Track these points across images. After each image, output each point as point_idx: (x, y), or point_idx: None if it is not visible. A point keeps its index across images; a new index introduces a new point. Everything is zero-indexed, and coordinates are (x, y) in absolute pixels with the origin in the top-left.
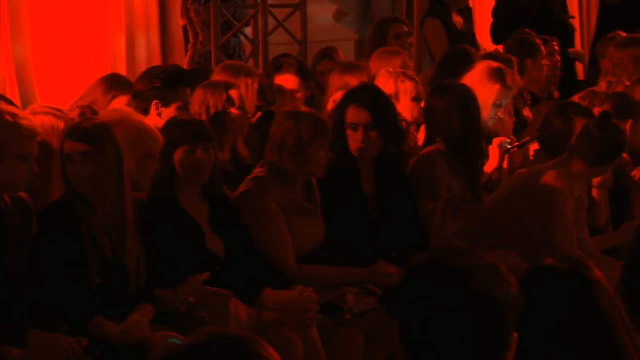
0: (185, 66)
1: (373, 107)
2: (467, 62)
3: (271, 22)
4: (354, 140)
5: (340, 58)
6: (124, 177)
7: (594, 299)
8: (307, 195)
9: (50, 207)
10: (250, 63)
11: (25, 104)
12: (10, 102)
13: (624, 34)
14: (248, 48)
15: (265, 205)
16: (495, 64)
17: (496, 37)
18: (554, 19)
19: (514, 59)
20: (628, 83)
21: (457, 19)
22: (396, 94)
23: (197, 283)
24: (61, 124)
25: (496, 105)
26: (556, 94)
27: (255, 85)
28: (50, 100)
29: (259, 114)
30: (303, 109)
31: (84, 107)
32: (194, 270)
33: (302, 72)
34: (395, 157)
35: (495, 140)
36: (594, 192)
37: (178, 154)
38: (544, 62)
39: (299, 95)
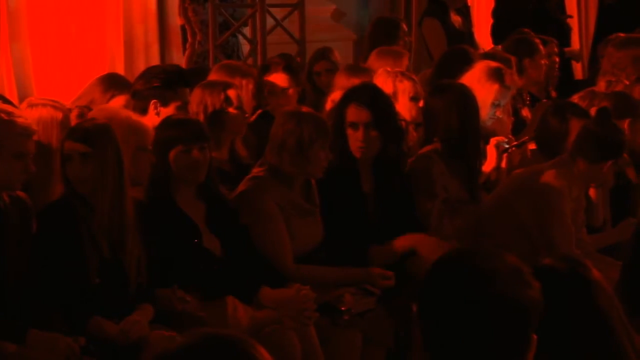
0: (183, 66)
1: (373, 106)
2: (466, 62)
3: (269, 21)
4: (354, 139)
5: (337, 58)
6: (124, 178)
7: (592, 298)
8: (306, 196)
9: (50, 207)
10: (249, 63)
11: None
12: (7, 101)
13: (623, 35)
14: (246, 48)
15: (264, 205)
16: (494, 64)
17: (496, 37)
18: (550, 18)
19: (512, 58)
20: (627, 83)
21: (456, 19)
22: (394, 94)
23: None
24: (59, 115)
25: (495, 105)
26: (554, 94)
27: (251, 86)
28: None
29: (259, 111)
30: (304, 109)
31: (83, 108)
32: (191, 269)
33: (290, 69)
34: (394, 157)
35: (493, 140)
36: (591, 192)
37: (173, 154)
38: (542, 62)
39: (290, 92)
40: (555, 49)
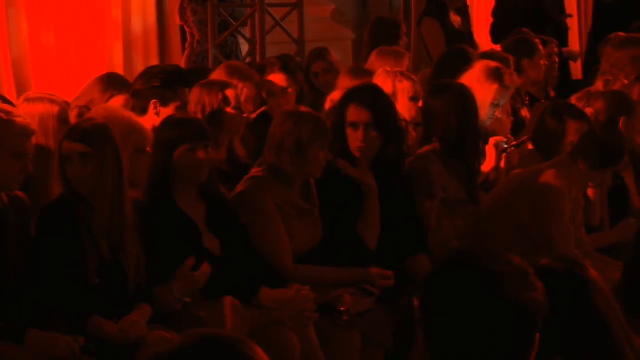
0: (182, 65)
1: (374, 106)
2: (465, 62)
3: (269, 21)
4: (354, 139)
5: (333, 58)
6: (123, 178)
7: (589, 298)
8: (305, 195)
9: (49, 207)
10: (247, 62)
11: None
12: (6, 100)
13: (623, 35)
14: (245, 47)
15: (263, 205)
16: (493, 64)
17: (496, 36)
18: (547, 18)
19: (511, 58)
20: (626, 82)
21: (455, 18)
22: (394, 94)
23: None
24: (56, 109)
25: (494, 105)
26: (552, 95)
27: (247, 91)
28: None
29: (262, 109)
30: (303, 109)
31: (82, 107)
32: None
33: (287, 69)
34: (394, 157)
35: (492, 140)
36: (590, 192)
37: (178, 153)
38: (541, 62)
39: (290, 91)
40: (555, 49)
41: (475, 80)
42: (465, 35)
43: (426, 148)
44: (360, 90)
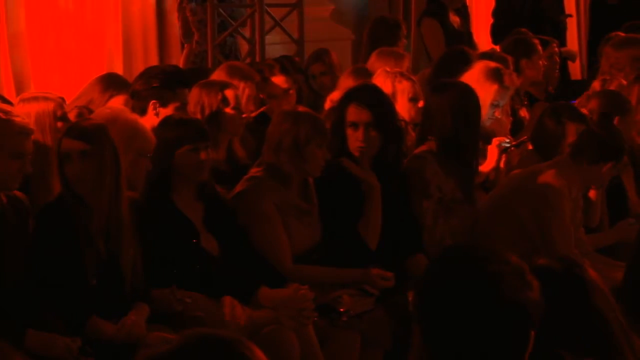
0: (180, 65)
1: (374, 106)
2: (464, 63)
3: (268, 21)
4: (354, 139)
5: (333, 60)
6: (121, 177)
7: (588, 298)
8: (304, 195)
9: (47, 208)
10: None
11: None
12: (5, 100)
13: (622, 34)
14: (245, 48)
15: (262, 206)
16: (493, 64)
17: (496, 37)
18: (546, 18)
19: (510, 58)
20: (624, 82)
21: (454, 19)
22: (393, 94)
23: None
24: (51, 105)
25: (494, 106)
26: (552, 91)
27: (248, 90)
28: None
29: (261, 109)
30: (301, 109)
31: (82, 108)
32: (189, 269)
33: (285, 70)
34: (394, 157)
35: (495, 141)
36: (591, 193)
37: (180, 153)
38: (540, 62)
39: (291, 92)
40: (556, 49)
41: (475, 80)
42: (465, 35)
43: (422, 148)
44: (360, 90)
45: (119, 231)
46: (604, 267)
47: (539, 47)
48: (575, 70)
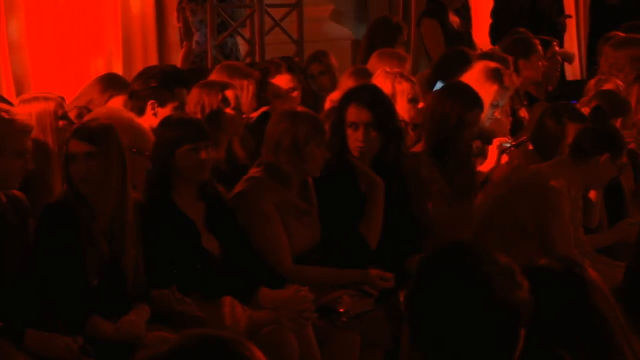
0: (178, 65)
1: (374, 106)
2: (464, 63)
3: (268, 22)
4: (354, 139)
5: (331, 61)
6: (127, 179)
7: (587, 298)
8: (303, 195)
9: (50, 207)
10: (247, 62)
11: None
12: (4, 100)
13: (622, 34)
14: (244, 48)
15: (262, 206)
16: (493, 65)
17: (494, 37)
18: (544, 18)
19: (510, 58)
20: (620, 82)
21: (454, 19)
22: (393, 95)
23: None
24: (51, 105)
25: (494, 106)
26: (549, 89)
27: (252, 87)
28: None
29: (262, 109)
30: (299, 109)
31: (81, 108)
32: (190, 269)
33: (292, 69)
34: (393, 157)
35: (496, 141)
36: (592, 194)
37: (181, 153)
38: (539, 63)
39: (295, 93)
40: (557, 49)
41: (475, 80)
42: (464, 35)
43: (418, 147)
44: (360, 91)
45: (122, 232)
46: (604, 267)
47: (539, 48)
48: (575, 70)
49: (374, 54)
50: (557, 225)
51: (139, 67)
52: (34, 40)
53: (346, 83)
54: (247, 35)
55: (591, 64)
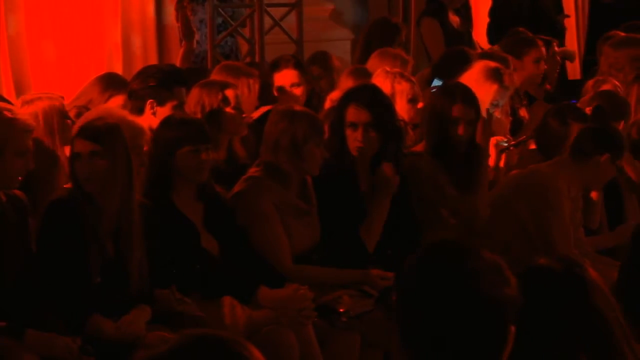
0: (178, 64)
1: (373, 106)
2: (464, 62)
3: (267, 21)
4: (353, 139)
5: (333, 64)
6: (133, 178)
7: (588, 298)
8: (303, 195)
9: (55, 204)
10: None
11: None
12: (3, 99)
13: (622, 34)
14: (244, 48)
15: (261, 206)
16: (493, 64)
17: (492, 37)
18: (544, 18)
19: (510, 58)
20: (618, 83)
21: (454, 19)
22: (392, 95)
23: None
24: (57, 104)
25: (493, 106)
26: (549, 88)
27: (257, 86)
28: None
29: (264, 109)
30: (298, 108)
31: (81, 107)
32: (189, 269)
33: (300, 66)
34: (393, 157)
35: (493, 140)
36: (593, 194)
37: (181, 154)
38: (535, 64)
39: (300, 89)
40: (557, 49)
41: (475, 80)
42: (464, 35)
43: (417, 147)
44: (360, 91)
45: (129, 232)
46: (604, 267)
47: (535, 48)
48: (575, 69)
49: (375, 53)
50: (557, 225)
51: (138, 66)
52: (34, 39)
53: (345, 82)
54: (247, 35)
55: (588, 63)
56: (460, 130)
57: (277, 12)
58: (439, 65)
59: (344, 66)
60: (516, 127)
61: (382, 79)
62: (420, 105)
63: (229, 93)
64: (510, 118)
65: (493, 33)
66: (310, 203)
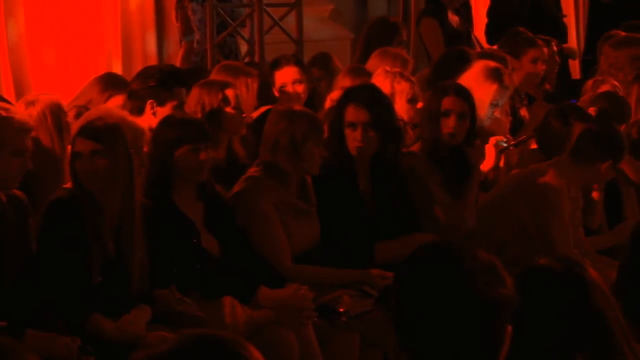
0: (177, 64)
1: (372, 106)
2: (464, 62)
3: (267, 21)
4: (352, 139)
5: (334, 65)
6: (134, 177)
7: (588, 298)
8: (302, 195)
9: (57, 202)
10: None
11: None
12: (2, 99)
13: (623, 33)
14: (244, 48)
15: (261, 205)
16: (492, 64)
17: (490, 37)
18: (547, 17)
19: (509, 58)
20: (617, 83)
21: (453, 18)
22: (392, 95)
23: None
24: (58, 103)
25: (493, 105)
26: (548, 88)
27: (255, 85)
28: None
29: (263, 109)
30: (297, 107)
31: (80, 107)
32: (189, 269)
33: (300, 63)
34: (392, 157)
35: (492, 140)
36: (594, 194)
37: (180, 153)
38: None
39: (302, 86)
40: (555, 49)
41: (474, 80)
42: (464, 35)
43: (415, 146)
44: (359, 91)
45: (130, 231)
46: (603, 267)
47: (534, 48)
48: (575, 69)
49: (375, 52)
50: (556, 225)
51: (138, 66)
52: (33, 40)
53: (342, 82)
54: (246, 34)
55: (587, 63)
56: (452, 122)
57: (276, 11)
58: (439, 65)
59: (343, 66)
60: (516, 127)
61: (382, 79)
62: (419, 105)
63: (229, 93)
64: (510, 118)
65: (491, 33)
66: (309, 203)
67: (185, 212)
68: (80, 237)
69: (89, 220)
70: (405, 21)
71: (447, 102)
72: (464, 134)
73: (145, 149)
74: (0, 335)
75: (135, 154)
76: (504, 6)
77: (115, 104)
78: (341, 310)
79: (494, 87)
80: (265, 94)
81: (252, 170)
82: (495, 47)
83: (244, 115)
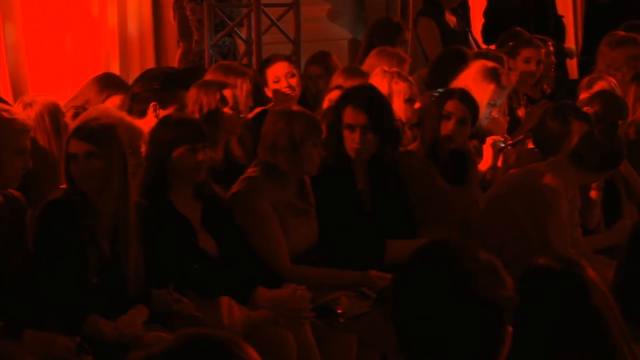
0: (176, 64)
1: (370, 108)
2: (461, 62)
3: (265, 21)
4: (351, 140)
5: (333, 64)
6: (129, 179)
7: (587, 298)
8: (300, 195)
9: (51, 204)
10: (244, 62)
11: None
12: (1, 100)
13: (622, 33)
14: (242, 48)
15: (259, 206)
16: (490, 64)
17: (487, 37)
18: (550, 15)
19: (505, 57)
20: (613, 80)
21: (451, 18)
22: (390, 95)
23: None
24: (55, 103)
25: (491, 105)
26: (548, 91)
27: (246, 86)
28: None
29: (257, 110)
30: (295, 108)
31: (78, 108)
32: (187, 269)
33: (291, 60)
34: (390, 158)
35: (489, 140)
36: (592, 194)
37: (178, 153)
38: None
39: (295, 80)
40: (552, 49)
41: (472, 80)
42: (461, 35)
43: (413, 145)
44: (357, 92)
45: (126, 232)
46: (601, 266)
47: (531, 48)
48: (572, 69)
49: (373, 51)
50: (553, 225)
51: (135, 67)
52: (31, 41)
53: (336, 81)
54: (244, 34)
55: (584, 64)
56: (451, 125)
57: (274, 12)
58: (436, 65)
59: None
60: (514, 126)
61: (379, 79)
62: (417, 105)
63: (227, 93)
64: (508, 118)
65: (487, 33)
66: (308, 203)
67: (183, 212)
68: (75, 238)
69: (85, 221)
70: (404, 21)
71: (450, 105)
72: (462, 140)
73: (142, 149)
74: None
75: (133, 154)
76: (504, 6)
77: (113, 105)
78: (339, 311)
79: (491, 87)
80: (261, 95)
81: (251, 171)
82: (492, 46)
83: (241, 115)
